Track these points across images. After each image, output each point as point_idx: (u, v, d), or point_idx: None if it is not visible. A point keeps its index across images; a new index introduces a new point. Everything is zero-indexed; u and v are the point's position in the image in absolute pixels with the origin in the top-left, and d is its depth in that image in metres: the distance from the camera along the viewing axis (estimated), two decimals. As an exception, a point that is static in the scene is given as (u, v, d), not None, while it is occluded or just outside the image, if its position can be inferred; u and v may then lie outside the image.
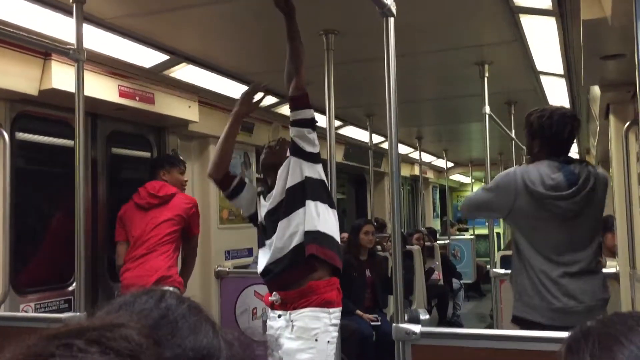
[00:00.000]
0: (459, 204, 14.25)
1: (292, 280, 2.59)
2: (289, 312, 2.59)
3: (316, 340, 2.52)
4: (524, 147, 6.51)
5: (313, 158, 2.68)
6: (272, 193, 2.69)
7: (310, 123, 2.68)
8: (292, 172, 2.64)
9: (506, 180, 2.57)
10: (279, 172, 2.68)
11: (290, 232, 2.61)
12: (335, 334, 2.61)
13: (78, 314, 2.36)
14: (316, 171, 2.67)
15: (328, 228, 2.63)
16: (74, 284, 2.58)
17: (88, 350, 0.60)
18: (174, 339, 0.78)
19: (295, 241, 2.59)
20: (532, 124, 2.63)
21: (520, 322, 2.55)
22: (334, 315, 2.60)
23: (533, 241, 2.53)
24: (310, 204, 2.60)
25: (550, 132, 2.57)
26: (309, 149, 2.66)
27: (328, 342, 2.54)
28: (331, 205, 2.72)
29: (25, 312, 3.22)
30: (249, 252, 5.02)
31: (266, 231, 2.74)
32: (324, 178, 2.73)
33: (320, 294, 2.56)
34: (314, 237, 2.57)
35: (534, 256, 2.51)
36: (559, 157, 2.57)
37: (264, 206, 2.75)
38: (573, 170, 2.53)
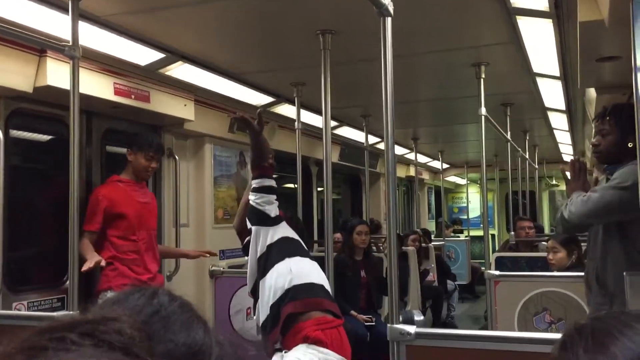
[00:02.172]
0: (454, 205, 14.28)
1: (282, 333, 2.65)
2: (283, 350, 2.62)
3: None
4: (519, 149, 6.57)
5: (277, 220, 2.84)
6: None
7: (275, 190, 2.86)
8: (258, 243, 2.81)
9: None
10: (250, 248, 2.85)
11: (265, 299, 2.72)
12: None
13: (71, 312, 2.35)
14: (279, 231, 2.83)
15: (305, 278, 2.72)
16: (67, 283, 2.56)
17: (81, 343, 0.60)
18: (167, 334, 0.79)
19: (271, 302, 2.70)
20: (633, 115, 2.47)
21: None
22: (324, 357, 2.50)
23: None
24: (279, 266, 2.73)
25: None
26: (274, 213, 2.83)
27: None
28: (302, 254, 2.85)
29: (18, 310, 3.20)
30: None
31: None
32: (288, 232, 2.87)
33: (306, 332, 2.55)
34: (290, 295, 2.66)
35: None
36: None
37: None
38: None
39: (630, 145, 2.42)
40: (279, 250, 2.78)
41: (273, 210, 2.83)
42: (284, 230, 2.86)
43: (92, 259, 3.11)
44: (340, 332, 2.66)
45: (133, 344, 0.63)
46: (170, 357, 0.77)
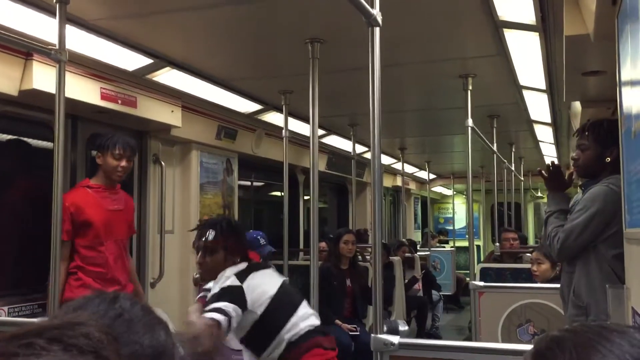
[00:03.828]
0: (440, 216, 14.33)
1: None
2: None
3: None
4: (505, 161, 6.62)
5: (244, 302, 2.47)
6: None
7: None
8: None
9: (614, 198, 2.31)
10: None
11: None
12: None
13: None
14: (258, 305, 2.51)
15: (302, 328, 2.55)
16: (49, 288, 2.53)
17: (50, 348, 0.61)
18: (132, 336, 0.81)
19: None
20: (611, 131, 2.40)
21: None
22: None
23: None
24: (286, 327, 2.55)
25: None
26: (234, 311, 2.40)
27: None
28: (295, 303, 2.62)
29: (-2, 316, 3.16)
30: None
31: None
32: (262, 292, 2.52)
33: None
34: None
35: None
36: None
37: None
38: None
39: (607, 159, 2.48)
40: (277, 316, 2.54)
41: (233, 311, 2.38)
42: (260, 293, 2.50)
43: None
44: None
45: (102, 347, 0.64)
46: (136, 359, 0.79)
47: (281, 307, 2.54)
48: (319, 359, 2.54)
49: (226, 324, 2.29)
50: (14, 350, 0.59)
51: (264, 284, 2.55)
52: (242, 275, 2.50)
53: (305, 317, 2.59)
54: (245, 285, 2.46)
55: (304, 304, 2.67)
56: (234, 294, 2.41)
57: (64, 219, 3.06)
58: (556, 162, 3.01)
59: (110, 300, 0.86)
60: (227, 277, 2.50)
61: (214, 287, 2.52)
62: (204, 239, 2.63)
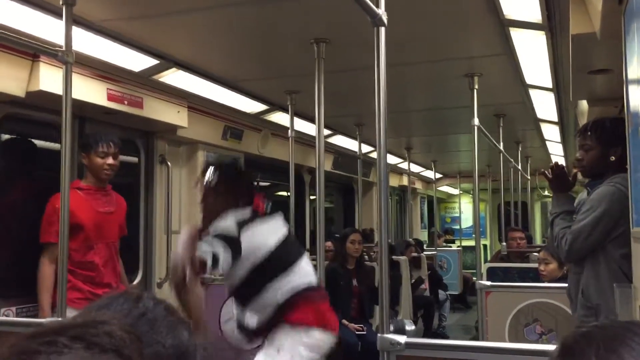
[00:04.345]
0: (446, 215, 14.30)
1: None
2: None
3: (278, 351, 2.36)
4: (512, 160, 6.60)
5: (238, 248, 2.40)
6: None
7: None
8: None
9: (621, 198, 2.29)
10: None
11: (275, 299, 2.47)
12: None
13: (59, 319, 2.33)
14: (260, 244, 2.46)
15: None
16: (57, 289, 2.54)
17: (72, 346, 0.61)
18: (154, 336, 0.81)
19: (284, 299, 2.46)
20: (614, 130, 2.40)
21: None
22: (311, 336, 2.38)
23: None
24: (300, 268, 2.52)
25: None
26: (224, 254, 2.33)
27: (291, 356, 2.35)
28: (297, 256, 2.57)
29: (6, 316, 3.17)
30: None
31: None
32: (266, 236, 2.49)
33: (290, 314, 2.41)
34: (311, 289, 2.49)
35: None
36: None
37: None
38: None
39: (612, 159, 2.46)
40: (286, 256, 2.48)
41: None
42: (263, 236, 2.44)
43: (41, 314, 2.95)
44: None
45: (124, 346, 0.64)
46: (158, 359, 0.79)
47: (278, 261, 2.44)
48: (311, 310, 2.44)
49: (210, 264, 2.20)
50: (36, 348, 0.60)
51: (263, 236, 2.44)
52: (242, 224, 2.38)
53: (302, 275, 2.47)
54: (242, 234, 2.35)
55: (305, 260, 2.54)
56: (228, 241, 2.31)
57: (54, 220, 2.99)
58: (563, 161, 3.01)
59: (134, 300, 0.86)
60: (226, 222, 2.38)
61: (212, 228, 2.39)
62: (206, 181, 2.51)
